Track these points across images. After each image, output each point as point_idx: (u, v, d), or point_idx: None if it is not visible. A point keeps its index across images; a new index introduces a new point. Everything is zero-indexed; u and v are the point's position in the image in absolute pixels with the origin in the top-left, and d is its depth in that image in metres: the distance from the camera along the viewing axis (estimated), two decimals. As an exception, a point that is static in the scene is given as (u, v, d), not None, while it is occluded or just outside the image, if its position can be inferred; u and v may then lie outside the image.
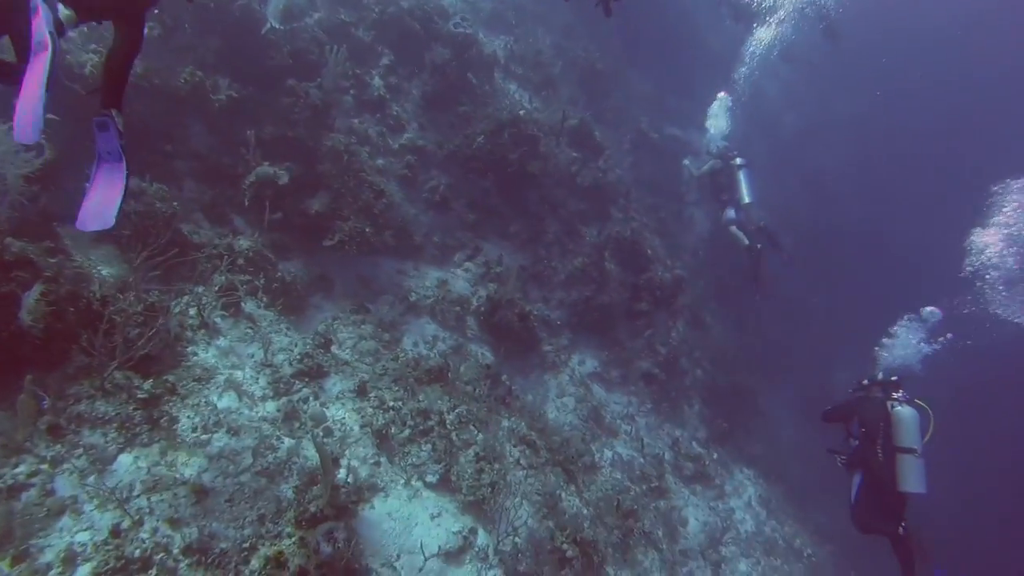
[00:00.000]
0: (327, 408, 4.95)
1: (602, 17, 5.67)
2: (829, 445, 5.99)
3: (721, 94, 10.67)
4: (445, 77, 9.08)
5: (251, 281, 5.44)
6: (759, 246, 9.32)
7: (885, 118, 20.22)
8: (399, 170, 8.03)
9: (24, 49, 2.96)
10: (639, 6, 8.38)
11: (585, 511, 5.93)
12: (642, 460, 7.79)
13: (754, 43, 13.39)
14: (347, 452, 4.71)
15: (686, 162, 10.96)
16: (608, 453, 7.50)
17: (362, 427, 4.97)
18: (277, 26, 6.90)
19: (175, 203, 5.18)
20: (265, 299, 5.49)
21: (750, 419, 10.57)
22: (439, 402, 5.59)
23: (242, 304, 5.12)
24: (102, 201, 3.11)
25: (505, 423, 6.13)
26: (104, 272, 4.51)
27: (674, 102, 15.63)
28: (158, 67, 5.85)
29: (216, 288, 5.01)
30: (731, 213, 9.61)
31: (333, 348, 5.57)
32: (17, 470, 3.34)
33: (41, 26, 2.67)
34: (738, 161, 9.77)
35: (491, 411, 6.06)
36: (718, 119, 10.49)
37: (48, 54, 2.63)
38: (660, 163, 12.93)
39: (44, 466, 3.42)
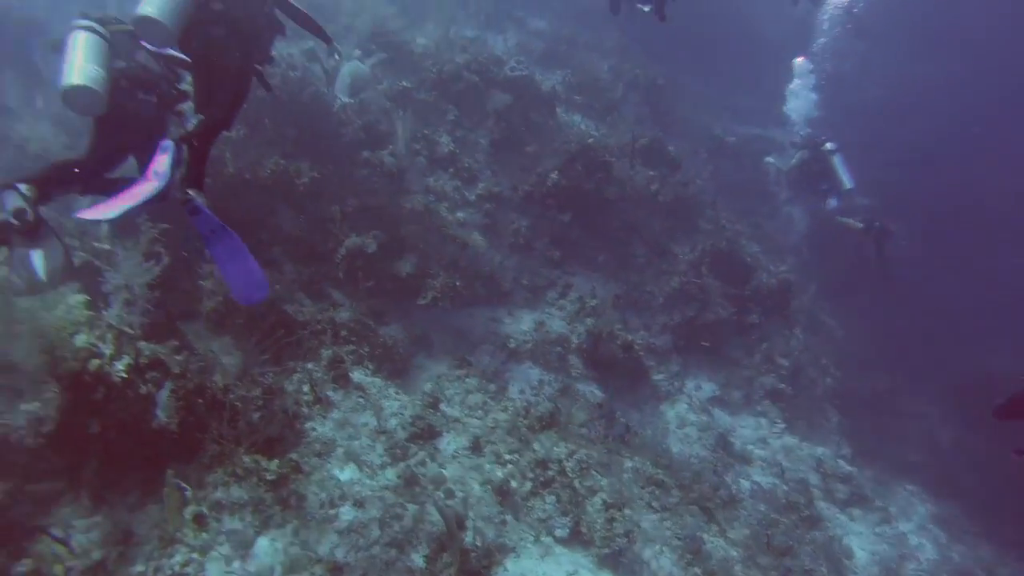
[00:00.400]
0: (444, 469, 4.83)
1: (654, 32, 5.59)
2: (1015, 445, 5.11)
3: (798, 59, 10.09)
4: (509, 121, 9.16)
5: (356, 350, 5.55)
6: (877, 224, 8.56)
7: (977, 80, 18.26)
8: (479, 220, 8.07)
9: (144, 167, 3.25)
10: (690, 7, 8.19)
11: (733, 552, 5.39)
12: (785, 487, 7.08)
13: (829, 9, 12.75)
14: (471, 513, 4.54)
15: (770, 159, 10.35)
16: (745, 483, 6.87)
17: (482, 485, 4.81)
18: (347, 100, 7.24)
19: (277, 286, 5.40)
20: (371, 366, 5.55)
21: (899, 424, 9.45)
22: (556, 449, 5.34)
23: (350, 374, 5.19)
24: (245, 274, 3.27)
25: (628, 463, 5.76)
26: (225, 360, 4.73)
27: (744, 101, 15.01)
28: (247, 162, 6.24)
29: (324, 362, 5.12)
30: (834, 202, 8.91)
31: (442, 406, 5.50)
32: (173, 560, 3.45)
33: (163, 162, 2.88)
34: (829, 147, 9.11)
35: (611, 452, 5.72)
36: (798, 97, 9.91)
37: (156, 185, 2.83)
38: (742, 166, 12.32)
39: (195, 555, 3.51)
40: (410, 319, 6.57)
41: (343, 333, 5.63)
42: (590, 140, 8.96)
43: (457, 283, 6.71)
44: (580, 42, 12.97)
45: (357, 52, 9.36)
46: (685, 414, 7.46)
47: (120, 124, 3.66)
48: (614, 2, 7.78)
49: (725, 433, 7.44)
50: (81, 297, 3.62)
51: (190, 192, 3.33)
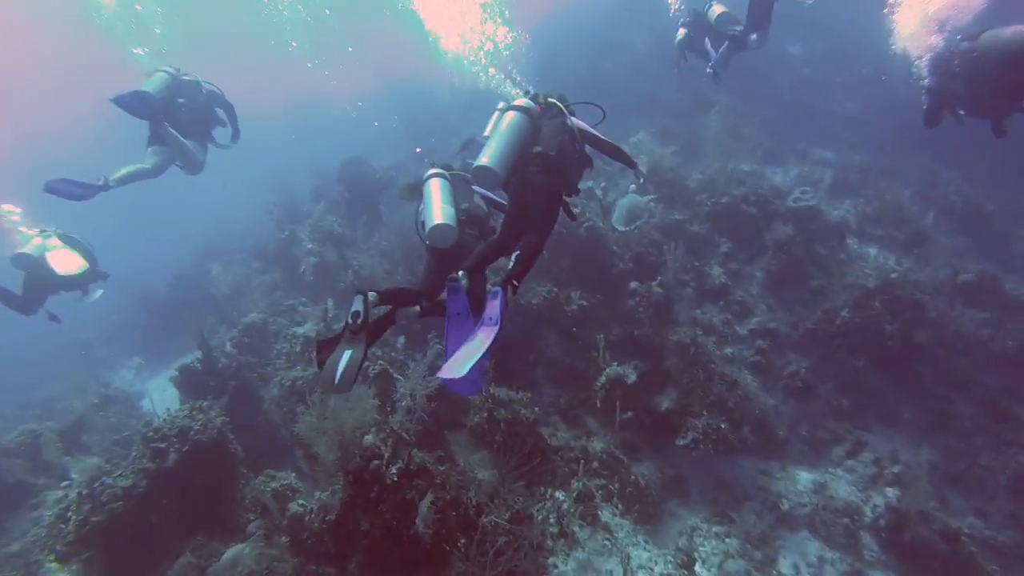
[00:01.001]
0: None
1: (977, 151, 4.63)
2: None
3: None
4: (790, 254, 8.53)
5: (606, 485, 5.38)
6: None
7: None
8: (750, 357, 7.44)
9: (469, 303, 3.72)
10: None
11: None
12: None
13: None
14: None
15: None
16: None
17: None
18: (622, 229, 7.63)
19: (536, 408, 5.65)
20: (620, 506, 5.29)
21: None
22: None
23: (599, 512, 5.01)
24: (465, 363, 3.22)
25: None
26: (480, 476, 5.01)
27: None
28: (523, 288, 6.90)
29: (574, 494, 5.04)
30: None
31: (697, 567, 4.89)
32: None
33: (495, 307, 3.28)
34: None
35: None
36: None
37: (495, 330, 3.17)
38: None
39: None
40: (666, 459, 6.17)
41: (595, 465, 5.54)
42: (893, 275, 7.76)
43: (722, 426, 6.14)
44: (875, 169, 11.73)
45: (632, 187, 9.97)
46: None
47: (454, 256, 4.25)
48: (932, 115, 6.22)
49: None
50: (375, 402, 4.25)
51: (460, 274, 3.58)
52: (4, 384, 14.76)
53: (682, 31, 9.32)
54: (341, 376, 3.25)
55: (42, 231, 6.92)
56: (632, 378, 6.47)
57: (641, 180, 4.86)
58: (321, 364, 3.39)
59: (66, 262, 6.73)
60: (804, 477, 6.42)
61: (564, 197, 4.37)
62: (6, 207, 7.28)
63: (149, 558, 4.89)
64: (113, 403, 9.68)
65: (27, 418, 10.40)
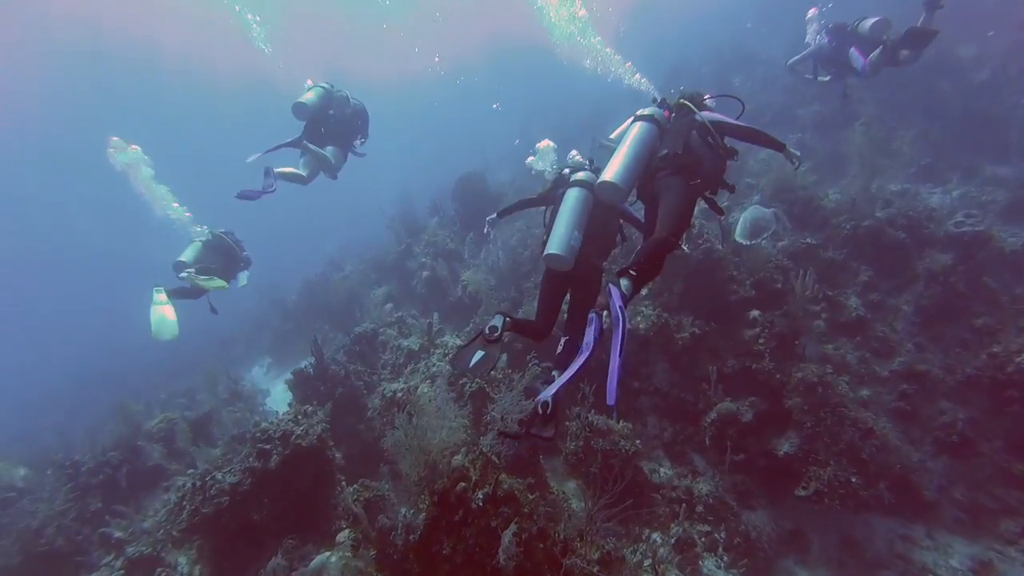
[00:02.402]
0: None
1: None
2: None
3: None
4: (947, 286, 7.35)
5: (710, 533, 4.84)
6: None
7: None
8: (892, 402, 6.46)
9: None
10: None
11: None
12: None
13: None
14: None
15: None
16: None
17: None
18: (747, 243, 7.07)
19: (637, 441, 5.24)
20: (726, 558, 4.73)
21: None
22: None
23: (700, 562, 4.50)
24: (613, 373, 3.11)
25: None
26: (573, 505, 4.71)
27: None
28: (630, 313, 6.52)
29: (672, 539, 4.58)
30: None
31: (814, 643, 4.22)
32: None
33: (615, 304, 3.15)
34: None
35: None
36: None
37: (621, 329, 3.05)
38: None
39: None
40: (782, 509, 5.47)
41: (699, 509, 5.02)
42: (1090, 315, 6.41)
43: (853, 479, 5.35)
44: (1068, 186, 9.90)
45: (756, 197, 9.20)
46: None
47: (575, 279, 4.36)
48: None
49: None
50: (464, 421, 4.11)
51: (623, 279, 3.46)
52: (157, 371, 16.74)
53: (822, 38, 8.55)
54: (475, 365, 3.87)
55: (202, 230, 7.79)
56: (747, 416, 5.85)
57: (796, 164, 4.33)
58: (458, 357, 3.99)
59: (210, 285, 7.33)
60: (960, 550, 5.39)
61: (708, 194, 4.22)
62: (177, 206, 8.31)
63: (250, 553, 5.12)
64: (240, 399, 10.52)
65: (173, 406, 11.62)
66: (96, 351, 23.15)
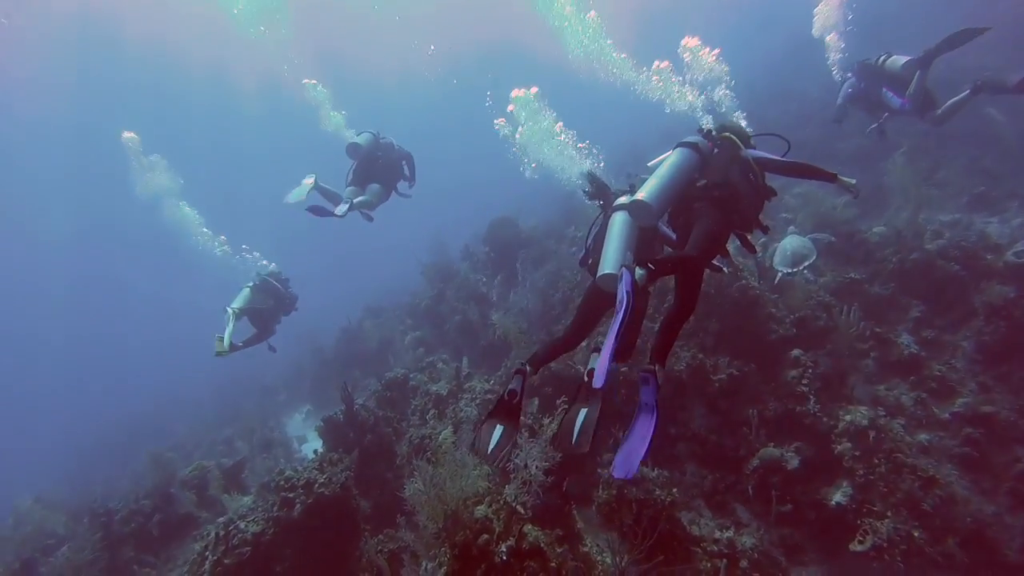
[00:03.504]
0: None
1: None
2: None
3: None
4: (1011, 320, 6.82)
5: (756, 592, 4.43)
6: None
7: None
8: (955, 448, 5.92)
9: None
10: None
11: None
12: None
13: None
14: None
15: None
16: None
17: None
18: (784, 271, 6.82)
19: (674, 490, 4.92)
20: (775, 622, 4.31)
21: None
22: None
23: (744, 626, 4.11)
24: (631, 451, 3.21)
25: None
26: (606, 560, 4.40)
27: None
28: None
29: (712, 599, 4.21)
30: None
31: None
32: None
33: (624, 288, 3.12)
34: None
35: None
36: None
37: (623, 312, 3.01)
38: None
39: None
40: (837, 566, 5.00)
41: (743, 564, 4.63)
42: None
43: (915, 533, 4.86)
44: None
45: (792, 228, 8.88)
46: None
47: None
48: None
49: None
50: (487, 469, 3.92)
51: (656, 367, 3.43)
52: (202, 419, 17.05)
53: (851, 80, 8.26)
54: (492, 450, 3.50)
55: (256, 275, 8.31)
56: (793, 463, 5.46)
57: (855, 193, 4.07)
58: (478, 432, 3.67)
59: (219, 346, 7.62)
60: (1050, 619, 4.78)
61: (740, 232, 4.15)
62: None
63: (270, 605, 4.96)
64: (275, 446, 10.53)
65: (214, 453, 11.73)
66: (147, 397, 23.83)
